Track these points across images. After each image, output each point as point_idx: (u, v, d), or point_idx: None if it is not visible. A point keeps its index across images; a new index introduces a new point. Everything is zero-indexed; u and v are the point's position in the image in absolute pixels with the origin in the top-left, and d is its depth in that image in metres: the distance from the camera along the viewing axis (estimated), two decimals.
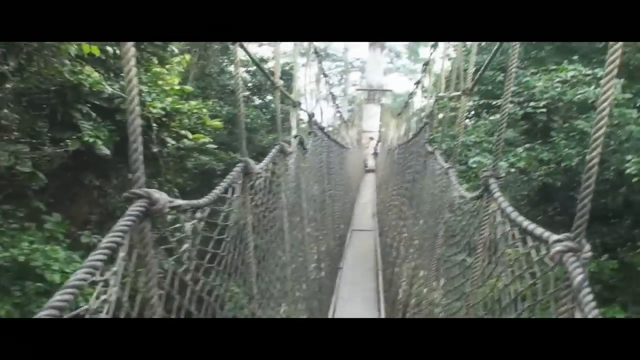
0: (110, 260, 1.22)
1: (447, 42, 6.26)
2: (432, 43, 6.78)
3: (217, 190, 2.15)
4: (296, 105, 5.40)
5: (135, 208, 1.36)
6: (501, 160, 2.55)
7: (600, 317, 1.13)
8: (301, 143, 4.97)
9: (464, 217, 3.16)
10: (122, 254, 1.28)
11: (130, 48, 1.34)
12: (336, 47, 47.17)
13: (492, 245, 2.35)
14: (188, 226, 1.80)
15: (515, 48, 2.30)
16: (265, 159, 3.34)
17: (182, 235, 1.81)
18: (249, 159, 2.64)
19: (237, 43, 2.62)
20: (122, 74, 7.23)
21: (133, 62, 1.35)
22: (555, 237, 1.47)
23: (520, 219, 1.87)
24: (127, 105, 1.37)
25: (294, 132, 5.03)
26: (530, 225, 1.74)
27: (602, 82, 1.36)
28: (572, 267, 1.33)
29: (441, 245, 3.89)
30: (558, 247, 1.39)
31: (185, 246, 1.85)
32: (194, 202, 1.85)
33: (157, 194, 1.41)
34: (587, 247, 1.39)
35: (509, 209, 2.05)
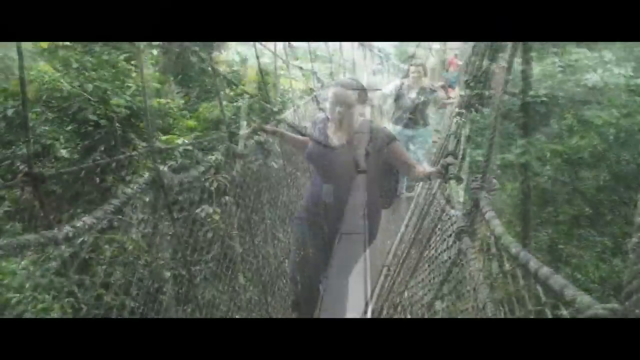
0: None
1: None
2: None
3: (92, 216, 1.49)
4: (274, 113, 4.74)
5: None
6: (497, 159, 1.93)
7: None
8: (260, 143, 4.28)
9: (447, 239, 2.48)
10: None
11: None
12: (325, 49, 46.53)
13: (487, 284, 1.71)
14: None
15: None
16: (200, 166, 2.61)
17: None
18: (160, 167, 1.93)
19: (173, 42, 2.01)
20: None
21: None
22: (596, 305, 0.85)
23: (534, 263, 1.19)
24: None
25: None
26: (543, 270, 1.11)
27: None
28: None
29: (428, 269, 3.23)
30: None
31: None
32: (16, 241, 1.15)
33: None
34: None
35: (507, 239, 1.39)
